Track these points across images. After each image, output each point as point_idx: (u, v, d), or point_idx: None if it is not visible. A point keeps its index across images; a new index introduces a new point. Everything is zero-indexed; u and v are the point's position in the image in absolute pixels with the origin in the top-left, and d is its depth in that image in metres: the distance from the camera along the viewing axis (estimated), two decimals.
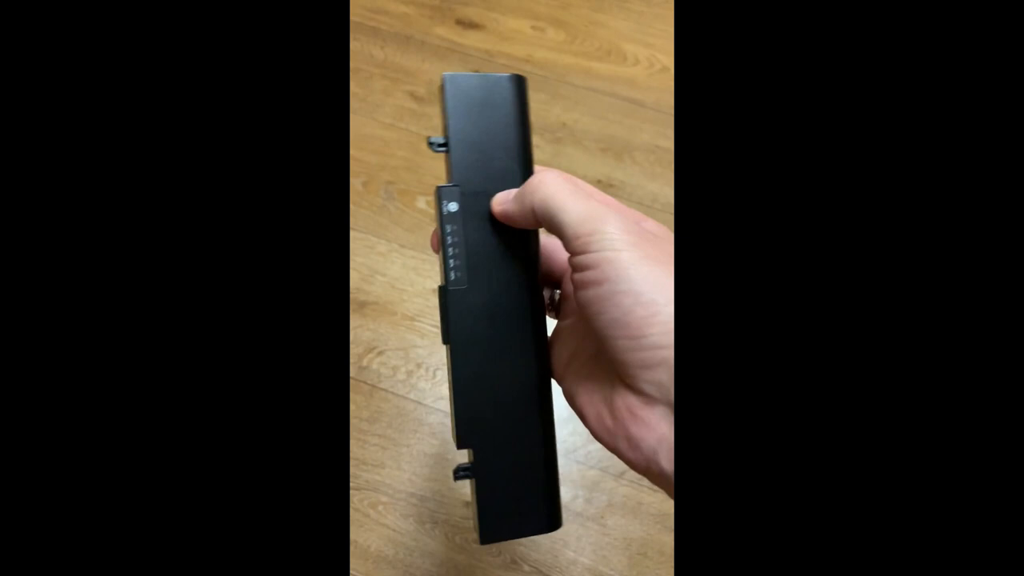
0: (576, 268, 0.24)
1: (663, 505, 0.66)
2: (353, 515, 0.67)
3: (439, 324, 0.28)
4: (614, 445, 0.24)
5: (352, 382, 0.72)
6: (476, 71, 0.93)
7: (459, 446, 0.27)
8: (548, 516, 0.28)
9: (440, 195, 0.27)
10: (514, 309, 0.28)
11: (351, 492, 0.67)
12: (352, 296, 0.77)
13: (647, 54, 0.95)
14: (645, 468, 0.23)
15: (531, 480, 0.28)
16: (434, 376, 0.73)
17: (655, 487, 0.67)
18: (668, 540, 0.65)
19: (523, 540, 0.66)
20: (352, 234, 0.81)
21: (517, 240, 0.28)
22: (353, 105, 0.89)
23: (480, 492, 0.27)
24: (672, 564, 0.64)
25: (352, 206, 0.83)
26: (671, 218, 0.82)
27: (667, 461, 0.22)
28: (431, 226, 0.81)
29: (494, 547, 0.66)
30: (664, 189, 0.85)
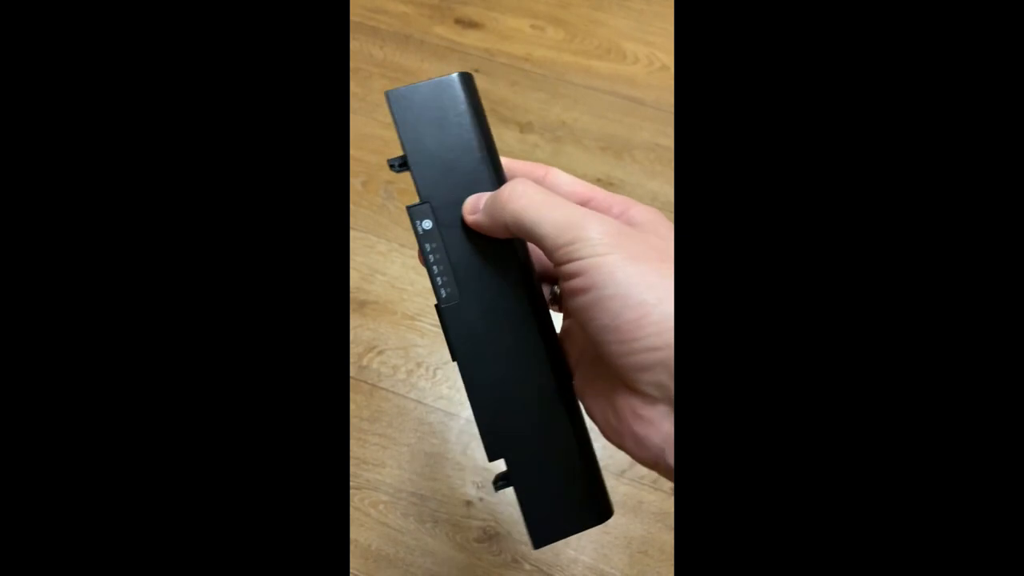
0: (563, 277, 0.23)
1: (664, 503, 0.66)
2: (354, 514, 0.67)
3: (438, 324, 0.28)
4: (622, 444, 0.24)
5: (352, 381, 0.72)
6: (476, 70, 0.93)
7: (491, 458, 0.27)
8: (596, 508, 0.27)
9: (412, 216, 0.27)
10: (514, 313, 0.27)
11: (352, 491, 0.67)
12: (352, 295, 0.77)
13: (647, 52, 0.95)
14: (654, 465, 0.23)
15: (571, 475, 0.27)
16: (434, 375, 0.73)
17: (656, 486, 0.68)
18: (669, 538, 0.65)
19: (524, 539, 0.66)
20: (352, 233, 0.81)
21: (502, 243, 0.27)
22: (353, 105, 0.89)
23: (523, 498, 0.27)
24: (673, 562, 0.64)
25: (352, 206, 0.83)
26: (671, 216, 0.81)
27: (674, 458, 0.22)
28: None
29: (495, 546, 0.66)
30: (664, 187, 0.85)
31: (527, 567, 0.65)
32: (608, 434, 0.25)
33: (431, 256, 0.27)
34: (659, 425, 0.22)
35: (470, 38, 0.95)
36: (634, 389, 0.23)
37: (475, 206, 0.26)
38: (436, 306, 0.27)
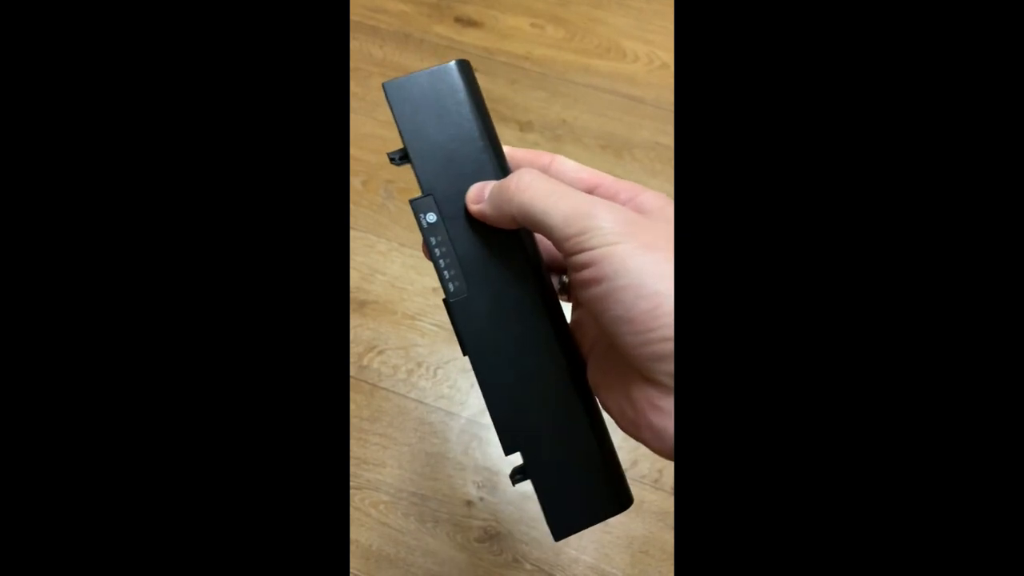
0: (573, 268, 0.23)
1: (665, 503, 0.66)
2: (354, 514, 0.67)
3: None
4: (639, 435, 0.23)
5: (353, 381, 0.72)
6: (476, 69, 0.93)
7: (507, 452, 0.26)
8: (615, 496, 0.27)
9: (415, 209, 0.26)
10: (524, 304, 0.27)
11: (352, 492, 0.67)
12: (352, 295, 0.77)
13: (647, 51, 0.95)
14: (672, 456, 0.23)
15: (589, 465, 0.27)
16: (435, 375, 0.72)
17: (657, 485, 0.68)
18: (670, 538, 0.65)
19: (525, 539, 0.66)
20: (352, 233, 0.80)
21: (508, 233, 0.27)
22: (352, 104, 0.89)
23: (541, 490, 0.26)
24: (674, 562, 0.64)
25: (352, 205, 0.82)
26: None
27: (674, 458, 0.22)
28: None
29: (495, 546, 0.66)
30: (664, 186, 0.85)
31: (528, 567, 0.65)
32: (624, 425, 0.24)
33: (437, 250, 0.26)
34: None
35: (470, 37, 0.95)
36: (650, 379, 0.22)
37: (479, 195, 0.26)
38: (444, 300, 0.27)
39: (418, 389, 0.72)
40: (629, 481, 0.28)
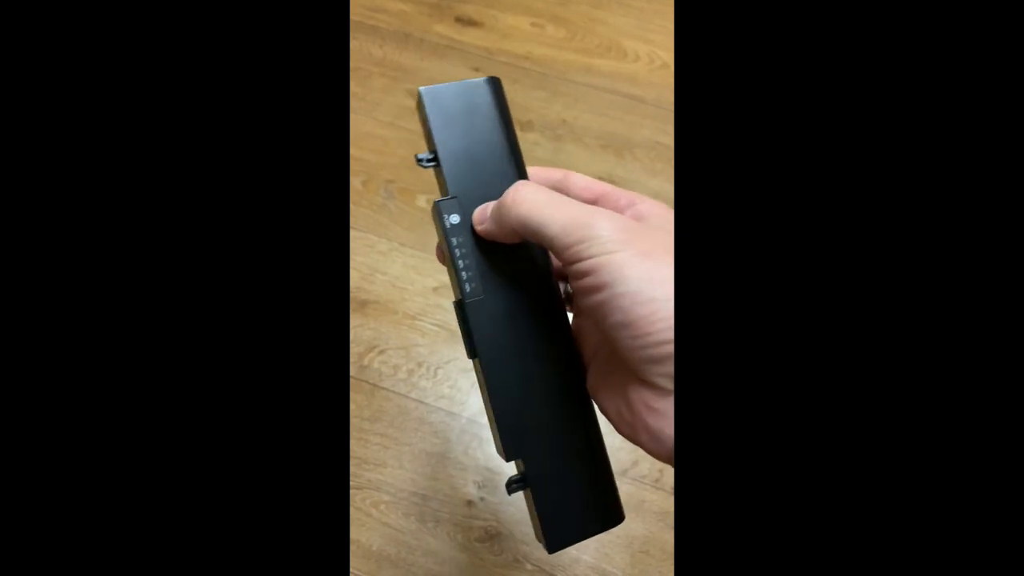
0: (573, 276, 0.23)
1: (665, 503, 0.66)
2: (355, 514, 0.67)
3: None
4: (636, 438, 0.24)
5: (353, 381, 0.72)
6: (476, 69, 0.93)
7: (507, 458, 0.27)
8: (609, 511, 0.27)
9: (440, 210, 0.27)
10: (535, 309, 0.27)
11: (353, 491, 0.67)
12: (353, 295, 0.77)
13: (647, 50, 0.95)
14: (668, 459, 0.23)
15: (586, 479, 0.27)
16: (435, 375, 0.72)
17: (658, 486, 0.68)
18: (670, 538, 0.65)
19: (526, 539, 0.66)
20: (352, 233, 0.80)
21: (520, 243, 0.27)
22: (352, 104, 0.89)
23: (538, 501, 0.27)
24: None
25: (352, 205, 0.82)
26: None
27: (674, 458, 0.22)
28: (431, 224, 0.81)
29: (496, 546, 0.66)
30: (665, 185, 0.85)
31: (529, 567, 0.65)
32: (622, 429, 0.24)
33: (457, 250, 0.27)
34: (672, 418, 0.22)
35: (470, 36, 0.95)
36: (647, 382, 0.23)
37: (483, 216, 0.27)
38: (457, 302, 0.27)
39: (419, 389, 0.72)
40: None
